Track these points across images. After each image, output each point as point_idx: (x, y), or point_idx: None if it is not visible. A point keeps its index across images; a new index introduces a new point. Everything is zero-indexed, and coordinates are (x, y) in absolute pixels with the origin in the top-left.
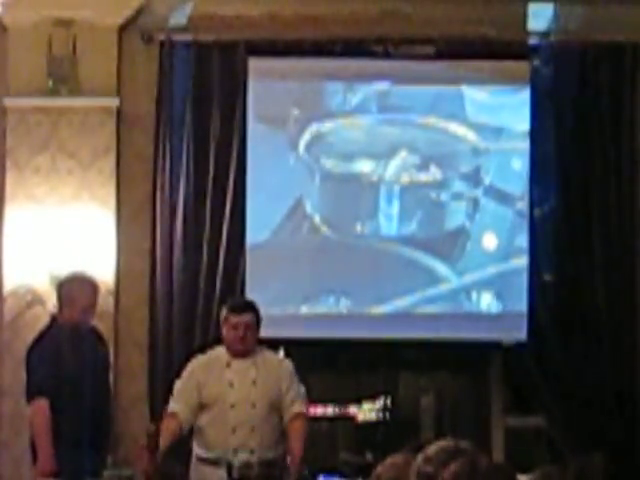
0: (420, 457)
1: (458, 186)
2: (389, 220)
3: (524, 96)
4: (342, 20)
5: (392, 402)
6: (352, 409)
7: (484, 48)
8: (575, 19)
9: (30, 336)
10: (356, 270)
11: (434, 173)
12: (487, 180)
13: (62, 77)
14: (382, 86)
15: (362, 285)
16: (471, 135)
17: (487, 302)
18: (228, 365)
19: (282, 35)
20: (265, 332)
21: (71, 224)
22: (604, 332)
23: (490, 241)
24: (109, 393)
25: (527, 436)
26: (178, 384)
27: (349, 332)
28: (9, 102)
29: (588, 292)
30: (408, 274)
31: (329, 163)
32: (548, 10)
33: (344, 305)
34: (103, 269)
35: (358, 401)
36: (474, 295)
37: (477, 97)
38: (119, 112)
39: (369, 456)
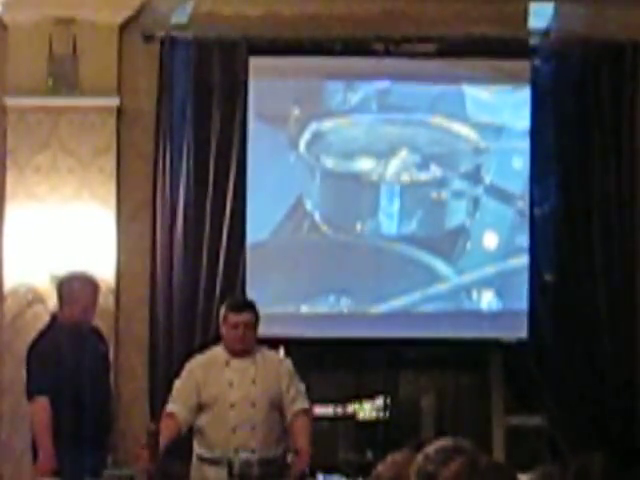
0: (420, 456)
1: (458, 185)
2: (389, 219)
3: (524, 95)
4: (342, 19)
5: (392, 401)
6: (352, 408)
7: (485, 47)
8: (576, 18)
9: (30, 335)
10: (356, 269)
11: (434, 172)
12: (487, 179)
13: (62, 76)
14: (382, 85)
15: (362, 284)
16: (471, 134)
17: (487, 301)
18: (227, 364)
19: (283, 34)
20: (265, 331)
21: (71, 223)
22: (604, 331)
23: (490, 240)
24: (109, 392)
25: (527, 435)
26: (177, 384)
27: (349, 331)
28: (10, 101)
29: (588, 291)
30: (409, 273)
31: (329, 162)
32: (549, 9)
33: (344, 304)
34: (103, 268)
35: (358, 400)
36: (474, 294)
37: (477, 96)
38: (119, 111)
39: (369, 455)
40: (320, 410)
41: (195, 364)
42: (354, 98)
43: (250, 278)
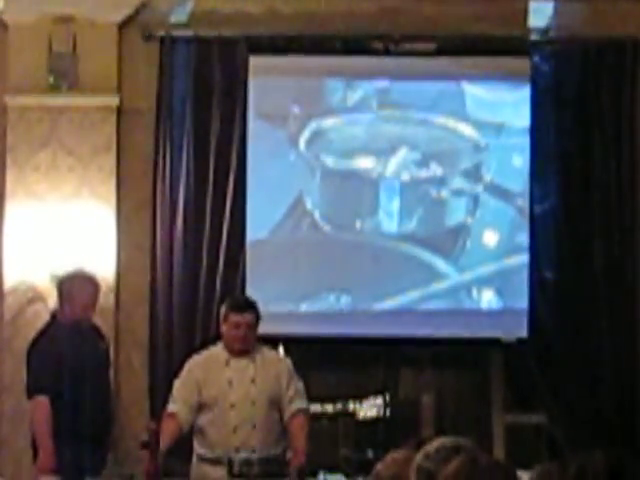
0: (420, 454)
1: (458, 183)
2: (389, 217)
3: (524, 93)
4: (342, 17)
5: (392, 399)
6: (352, 406)
7: (484, 45)
8: (575, 15)
9: (30, 333)
10: (356, 267)
11: (434, 170)
12: (487, 177)
13: (62, 74)
14: (382, 83)
15: (362, 282)
16: (471, 132)
17: (488, 299)
18: (227, 364)
19: (282, 32)
20: (265, 329)
21: (71, 221)
22: (604, 329)
23: (491, 238)
24: (109, 390)
25: (527, 433)
26: (177, 384)
27: (349, 329)
28: (9, 99)
29: (589, 289)
30: (408, 271)
31: (329, 160)
32: (548, 7)
33: (344, 302)
34: (103, 266)
35: (358, 398)
36: (474, 292)
37: (477, 94)
38: (119, 109)
39: (369, 453)
40: (320, 408)
41: (195, 363)
42: (354, 96)
43: (250, 276)
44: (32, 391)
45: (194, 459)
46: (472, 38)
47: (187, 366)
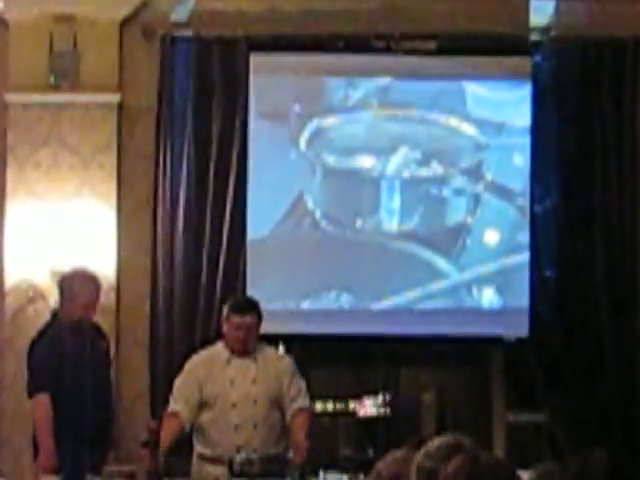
0: (421, 453)
1: (459, 182)
2: (390, 215)
3: (525, 92)
4: (343, 15)
5: (393, 398)
6: (353, 405)
7: (485, 43)
8: (576, 14)
9: (31, 332)
10: (357, 266)
11: (435, 168)
12: (488, 176)
13: (63, 73)
14: (383, 81)
15: (363, 281)
16: (472, 130)
17: (488, 298)
18: (228, 362)
19: (283, 30)
20: (266, 328)
21: (72, 220)
22: (605, 328)
23: (491, 237)
24: (110, 389)
25: (528, 432)
26: (178, 382)
27: (350, 328)
28: (10, 98)
29: (589, 288)
30: (409, 270)
31: (330, 158)
32: (549, 6)
33: (345, 301)
34: (104, 265)
35: (359, 397)
36: (475, 291)
37: (478, 92)
38: (120, 107)
39: (370, 452)
40: (321, 407)
41: (196, 362)
42: (355, 95)
43: (251, 275)
44: (33, 390)
45: (194, 458)
46: (473, 37)
47: (188, 365)
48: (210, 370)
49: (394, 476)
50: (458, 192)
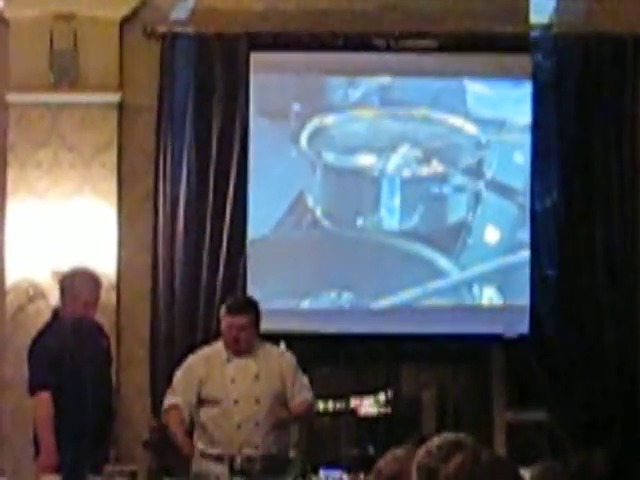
0: (421, 451)
1: (460, 180)
2: (391, 214)
3: (526, 89)
4: (344, 14)
5: (394, 396)
6: (354, 403)
7: (486, 41)
8: (577, 12)
9: (32, 330)
10: (358, 264)
11: (436, 167)
12: (489, 174)
13: (64, 71)
14: (384, 80)
15: (364, 279)
16: (473, 128)
17: (489, 296)
18: (228, 361)
19: (284, 29)
20: (267, 326)
21: (73, 218)
22: (606, 326)
23: (492, 235)
24: (111, 387)
25: (528, 430)
26: (178, 377)
27: (351, 326)
28: (11, 97)
29: (590, 286)
30: (410, 268)
31: (331, 157)
32: (550, 3)
33: (346, 299)
34: (105, 263)
35: (360, 395)
36: (476, 289)
37: (479, 90)
38: (121, 106)
39: (371, 450)
40: (321, 405)
41: (197, 359)
42: (355, 93)
43: (251, 273)
44: (34, 388)
45: (196, 456)
46: (473, 35)
47: (188, 361)
48: (210, 369)
49: (395, 474)
50: (459, 190)
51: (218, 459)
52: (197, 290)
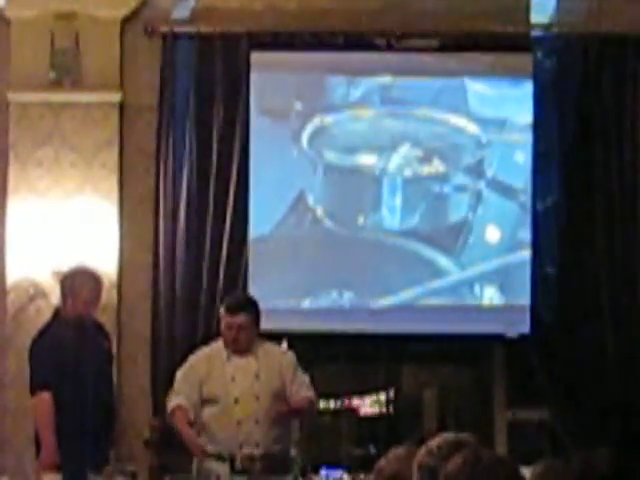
0: (423, 450)
1: (461, 179)
2: (392, 213)
3: (527, 89)
4: (344, 13)
5: (395, 395)
6: (355, 402)
7: (487, 41)
8: (578, 11)
9: (33, 329)
10: (359, 263)
11: (437, 166)
12: (490, 173)
13: (65, 70)
14: (384, 79)
15: (365, 278)
16: (474, 128)
17: (490, 295)
18: (228, 359)
19: (285, 28)
20: (268, 325)
21: (74, 217)
22: (607, 325)
23: (493, 234)
24: (112, 386)
25: (530, 429)
26: (179, 377)
27: (352, 325)
28: (12, 95)
29: (591, 285)
30: (411, 267)
31: (332, 156)
32: (551, 2)
33: (347, 298)
34: (106, 262)
35: (361, 394)
36: (477, 288)
37: (480, 90)
38: (122, 105)
39: (372, 449)
40: (322, 405)
41: (197, 359)
42: (356, 92)
43: (252, 272)
44: (35, 387)
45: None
46: (474, 34)
47: (189, 361)
48: (211, 367)
49: (396, 473)
50: (459, 190)
51: (219, 457)
52: (198, 289)
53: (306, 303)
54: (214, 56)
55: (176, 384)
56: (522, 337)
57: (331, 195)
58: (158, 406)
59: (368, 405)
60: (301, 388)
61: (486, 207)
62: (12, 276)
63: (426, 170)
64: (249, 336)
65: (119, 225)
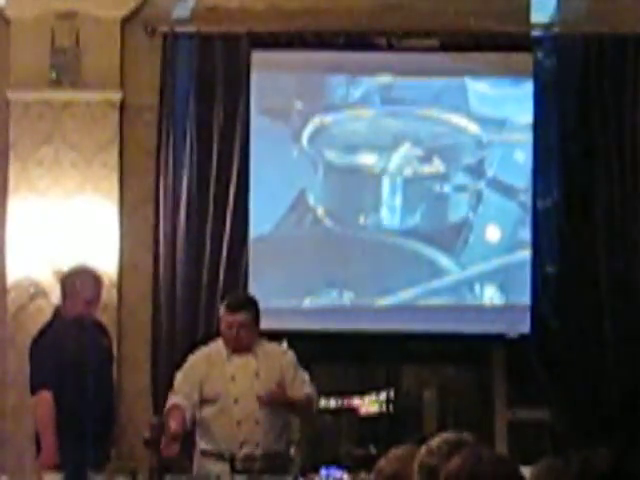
0: (423, 450)
1: (461, 178)
2: (392, 212)
3: (527, 88)
4: (345, 13)
5: (395, 395)
6: (355, 402)
7: (487, 40)
8: (578, 11)
9: (33, 329)
10: (359, 262)
11: (437, 165)
12: (490, 172)
13: (65, 69)
14: (385, 79)
15: (365, 277)
16: (474, 127)
17: (490, 295)
18: (228, 359)
19: (285, 27)
20: (268, 325)
21: (74, 217)
22: (608, 324)
23: (493, 233)
24: (112, 386)
25: (530, 429)
26: (179, 378)
27: (352, 324)
28: (12, 95)
29: (591, 285)
30: (411, 266)
31: (332, 155)
32: (551, 2)
33: (347, 297)
34: (106, 262)
35: (361, 394)
36: (477, 288)
37: (480, 89)
38: (122, 104)
39: (372, 449)
40: (323, 404)
41: (197, 358)
42: (357, 92)
43: (253, 272)
44: (35, 387)
45: (197, 454)
46: (475, 34)
47: (189, 361)
48: (211, 367)
49: (396, 473)
50: (460, 189)
51: (219, 457)
52: (198, 288)
53: (306, 303)
54: (214, 56)
55: (176, 384)
56: (522, 337)
57: (331, 195)
58: (158, 405)
59: (368, 404)
60: (301, 386)
61: (486, 207)
62: (12, 275)
63: (426, 170)
64: (250, 334)
65: (119, 224)
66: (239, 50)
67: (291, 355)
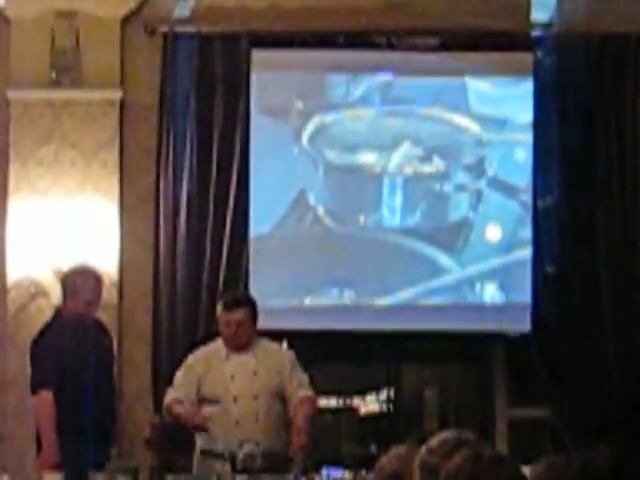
0: (424, 449)
1: (461, 177)
2: (392, 211)
3: (527, 87)
4: (345, 12)
5: (396, 394)
6: (356, 401)
7: (487, 39)
8: (578, 10)
9: (34, 328)
10: (359, 262)
11: (437, 164)
12: (491, 171)
13: (65, 69)
14: (385, 78)
15: (365, 277)
16: (474, 126)
17: (491, 293)
18: (227, 358)
19: (285, 27)
20: (268, 324)
21: (74, 216)
22: (608, 323)
23: (494, 232)
24: (113, 385)
25: (531, 427)
26: (178, 377)
27: (352, 324)
28: (12, 94)
29: (592, 283)
30: (411, 265)
31: (332, 155)
32: (551, 1)
33: (347, 297)
34: (106, 261)
35: (362, 393)
36: (478, 287)
37: (480, 88)
38: (122, 104)
39: (373, 448)
40: (323, 403)
41: (196, 358)
42: (357, 91)
43: (253, 271)
44: (36, 386)
45: (197, 453)
46: (475, 33)
47: (188, 361)
48: (210, 366)
49: (397, 472)
50: (460, 188)
51: (219, 456)
52: (199, 288)
53: (307, 302)
54: (214, 55)
55: (174, 383)
56: (523, 336)
57: (332, 194)
58: (159, 404)
59: (369, 403)
60: (300, 386)
61: (487, 206)
62: (13, 275)
63: (427, 169)
64: (248, 332)
65: (120, 224)
66: (239, 50)
67: (290, 354)
